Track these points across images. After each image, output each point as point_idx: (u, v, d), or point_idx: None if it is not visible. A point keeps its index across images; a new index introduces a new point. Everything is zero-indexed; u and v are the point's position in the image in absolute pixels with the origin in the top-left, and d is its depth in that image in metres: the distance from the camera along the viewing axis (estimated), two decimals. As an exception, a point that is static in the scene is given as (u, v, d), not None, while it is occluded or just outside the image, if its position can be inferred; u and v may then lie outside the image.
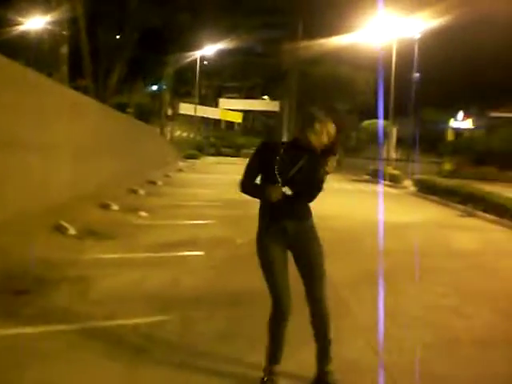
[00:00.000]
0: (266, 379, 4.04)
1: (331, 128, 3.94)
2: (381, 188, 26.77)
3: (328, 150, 3.88)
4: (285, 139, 52.31)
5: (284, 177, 3.89)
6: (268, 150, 4.01)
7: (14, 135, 9.91)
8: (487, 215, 15.76)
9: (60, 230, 9.59)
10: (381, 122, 38.32)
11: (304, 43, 47.81)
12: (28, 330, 4.92)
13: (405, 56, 35.14)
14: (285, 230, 4.01)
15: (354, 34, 38.98)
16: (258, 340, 4.86)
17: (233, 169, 34.63)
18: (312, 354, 4.19)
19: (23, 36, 30.55)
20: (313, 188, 3.96)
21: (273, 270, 4.09)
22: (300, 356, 4.55)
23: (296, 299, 4.12)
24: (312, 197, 4.02)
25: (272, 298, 4.12)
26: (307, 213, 4.15)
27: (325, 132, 3.91)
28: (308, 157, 3.92)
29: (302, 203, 4.07)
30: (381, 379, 4.35)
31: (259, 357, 4.36)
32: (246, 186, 4.09)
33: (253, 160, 4.09)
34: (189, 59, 49.81)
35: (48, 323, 5.11)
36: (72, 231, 9.52)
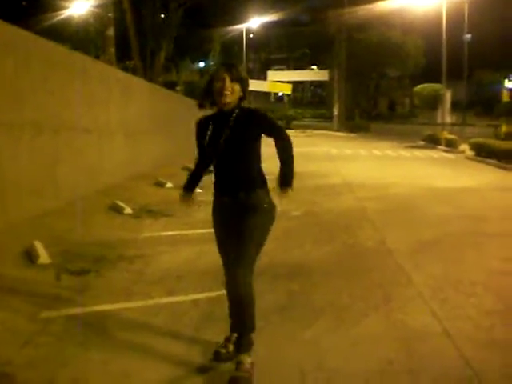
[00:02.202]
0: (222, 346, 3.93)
1: (230, 83, 3.73)
2: (437, 153, 26.24)
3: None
4: (336, 109, 51.80)
5: (213, 150, 3.85)
6: (201, 126, 4.02)
7: (65, 119, 10.05)
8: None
9: (116, 209, 9.71)
10: (431, 85, 37.42)
11: (350, 7, 46.92)
12: (91, 308, 5.00)
13: (455, 17, 34.14)
14: (227, 203, 3.88)
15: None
16: (319, 311, 4.81)
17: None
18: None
19: (69, 20, 30.97)
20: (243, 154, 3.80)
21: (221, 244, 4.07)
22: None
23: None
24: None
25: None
26: (253, 183, 3.85)
27: (226, 89, 3.71)
28: (233, 124, 3.79)
29: (245, 172, 3.84)
30: (444, 346, 4.25)
31: (317, 331, 4.31)
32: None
33: (196, 142, 4.09)
34: (234, 33, 49.58)
35: (110, 302, 5.18)
36: (128, 210, 9.63)
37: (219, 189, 3.94)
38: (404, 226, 9.06)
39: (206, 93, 3.86)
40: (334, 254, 7.23)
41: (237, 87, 3.78)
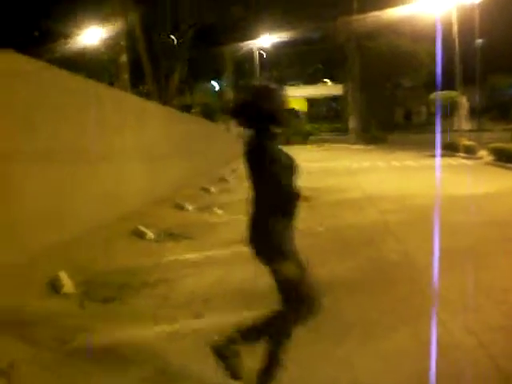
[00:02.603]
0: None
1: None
2: (456, 161, 26.05)
3: None
4: (351, 122, 51.85)
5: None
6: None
7: (81, 147, 10.10)
8: None
9: (138, 235, 9.71)
10: (447, 93, 37.23)
11: (360, 19, 46.94)
12: (116, 336, 4.96)
13: (466, 23, 33.97)
14: None
15: (411, 4, 37.92)
16: (349, 327, 4.74)
17: (301, 157, 34.34)
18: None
19: (83, 49, 31.35)
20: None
21: None
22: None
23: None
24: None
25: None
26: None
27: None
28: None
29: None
30: (480, 359, 4.15)
31: (348, 348, 4.24)
32: None
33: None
34: (246, 52, 49.82)
35: (135, 328, 5.14)
36: (150, 235, 9.63)
37: None
38: (427, 237, 8.93)
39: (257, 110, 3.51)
40: (359, 269, 7.15)
41: None
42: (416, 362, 4.13)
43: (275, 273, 3.59)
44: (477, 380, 3.82)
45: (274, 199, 3.47)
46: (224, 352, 3.67)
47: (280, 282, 3.59)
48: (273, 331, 3.71)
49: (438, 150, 31.69)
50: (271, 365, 3.68)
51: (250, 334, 3.70)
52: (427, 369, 3.99)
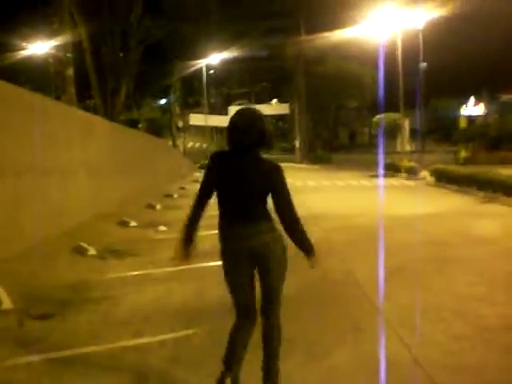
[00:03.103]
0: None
1: None
2: (398, 181, 26.62)
3: None
4: (297, 141, 52.41)
5: None
6: None
7: (26, 161, 9.94)
8: (508, 199, 15.57)
9: (80, 251, 9.58)
10: (389, 115, 38.10)
11: (307, 41, 47.72)
12: (55, 354, 4.88)
13: (410, 47, 34.96)
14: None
15: (357, 28, 38.81)
16: (291, 343, 4.79)
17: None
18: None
19: (28, 61, 30.84)
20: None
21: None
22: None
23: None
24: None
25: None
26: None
27: None
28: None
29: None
30: (416, 374, 4.26)
31: (288, 366, 4.29)
32: None
33: None
34: (195, 68, 49.88)
35: (75, 346, 5.07)
36: (92, 251, 9.50)
37: None
38: (369, 256, 9.11)
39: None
40: (303, 287, 7.22)
41: None
42: (356, 379, 4.21)
43: (280, 276, 3.89)
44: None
45: (282, 209, 3.81)
46: None
47: (278, 287, 3.88)
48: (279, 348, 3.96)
49: (381, 171, 32.38)
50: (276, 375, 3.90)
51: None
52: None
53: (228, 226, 3.86)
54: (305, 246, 3.91)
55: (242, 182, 3.71)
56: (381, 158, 33.53)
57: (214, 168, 3.87)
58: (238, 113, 3.91)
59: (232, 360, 3.84)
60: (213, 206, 3.90)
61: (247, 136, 3.71)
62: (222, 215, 3.89)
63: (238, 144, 3.77)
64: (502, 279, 7.38)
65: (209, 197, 3.95)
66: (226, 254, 3.93)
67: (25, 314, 5.93)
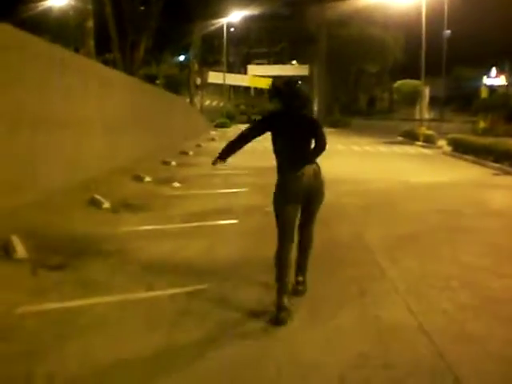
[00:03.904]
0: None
1: None
2: (415, 149, 26.45)
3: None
4: (316, 104, 52.00)
5: None
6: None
7: (42, 112, 9.98)
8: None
9: (95, 203, 9.68)
10: (410, 81, 37.60)
11: (331, 2, 46.98)
12: (67, 303, 4.99)
13: (435, 13, 34.34)
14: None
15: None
16: (294, 306, 4.85)
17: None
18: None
19: (48, 12, 30.66)
20: None
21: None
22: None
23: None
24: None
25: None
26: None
27: None
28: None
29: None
30: (420, 341, 4.31)
31: (300, 322, 4.35)
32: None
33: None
34: (215, 27, 49.42)
35: (86, 297, 5.17)
36: (106, 205, 9.60)
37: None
38: (381, 222, 9.14)
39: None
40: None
41: None
42: (360, 341, 4.28)
43: (320, 203, 5.12)
44: (415, 361, 3.97)
45: (322, 143, 4.98)
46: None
47: (317, 211, 5.17)
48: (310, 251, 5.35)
49: (399, 137, 32.17)
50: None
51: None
52: (371, 349, 4.14)
53: (289, 168, 4.84)
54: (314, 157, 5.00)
55: (297, 132, 4.89)
56: (399, 125, 33.29)
57: (270, 121, 5.03)
58: (288, 83, 5.03)
59: (282, 275, 4.80)
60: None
61: (297, 101, 4.92)
62: (282, 160, 4.92)
63: (290, 106, 4.92)
64: (512, 252, 7.39)
65: (252, 138, 5.00)
66: (285, 191, 4.86)
67: (38, 264, 6.04)
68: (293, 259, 5.04)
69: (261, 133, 4.99)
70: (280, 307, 4.66)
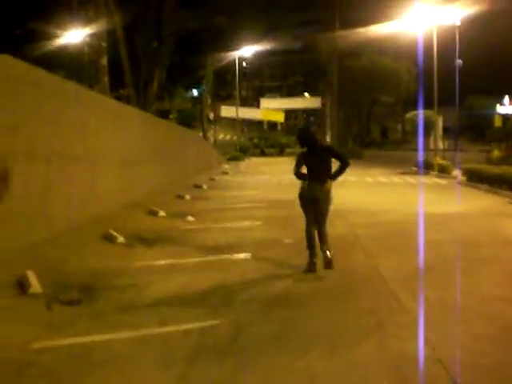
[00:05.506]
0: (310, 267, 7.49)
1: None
2: (430, 179, 26.35)
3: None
4: (328, 136, 52.06)
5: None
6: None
7: (58, 148, 10.07)
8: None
9: (109, 238, 9.70)
10: (423, 112, 37.62)
11: (342, 34, 47.39)
12: (82, 339, 4.97)
13: (446, 44, 34.48)
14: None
15: (393, 23, 38.44)
16: (312, 340, 4.80)
17: (276, 169, 34.72)
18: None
19: (62, 49, 31.15)
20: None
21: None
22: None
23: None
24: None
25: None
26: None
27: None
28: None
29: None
30: (439, 375, 4.24)
31: (313, 361, 4.29)
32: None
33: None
34: (227, 61, 49.97)
35: (101, 332, 5.15)
36: (121, 239, 9.61)
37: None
38: (396, 253, 9.06)
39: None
40: (328, 280, 7.22)
41: None
42: (378, 374, 4.21)
43: (328, 207, 7.66)
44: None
45: (344, 161, 7.67)
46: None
47: (326, 213, 7.66)
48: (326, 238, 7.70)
49: (414, 168, 32.10)
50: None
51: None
52: (390, 381, 4.07)
53: (312, 182, 7.52)
54: (337, 174, 7.66)
55: (319, 161, 7.60)
56: (413, 155, 33.22)
57: (304, 156, 7.70)
58: (304, 130, 8.14)
59: (312, 246, 7.51)
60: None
61: (312, 141, 7.69)
62: (309, 177, 7.57)
63: (309, 144, 7.67)
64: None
65: (302, 168, 7.61)
66: (305, 198, 7.58)
67: (53, 299, 6.03)
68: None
69: (303, 164, 7.62)
70: (311, 263, 7.39)
